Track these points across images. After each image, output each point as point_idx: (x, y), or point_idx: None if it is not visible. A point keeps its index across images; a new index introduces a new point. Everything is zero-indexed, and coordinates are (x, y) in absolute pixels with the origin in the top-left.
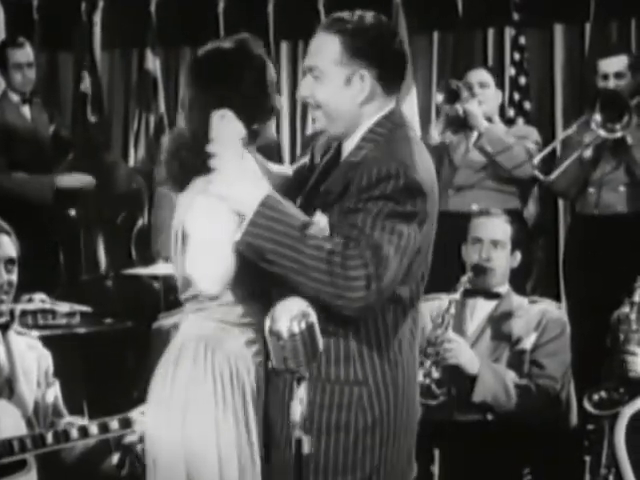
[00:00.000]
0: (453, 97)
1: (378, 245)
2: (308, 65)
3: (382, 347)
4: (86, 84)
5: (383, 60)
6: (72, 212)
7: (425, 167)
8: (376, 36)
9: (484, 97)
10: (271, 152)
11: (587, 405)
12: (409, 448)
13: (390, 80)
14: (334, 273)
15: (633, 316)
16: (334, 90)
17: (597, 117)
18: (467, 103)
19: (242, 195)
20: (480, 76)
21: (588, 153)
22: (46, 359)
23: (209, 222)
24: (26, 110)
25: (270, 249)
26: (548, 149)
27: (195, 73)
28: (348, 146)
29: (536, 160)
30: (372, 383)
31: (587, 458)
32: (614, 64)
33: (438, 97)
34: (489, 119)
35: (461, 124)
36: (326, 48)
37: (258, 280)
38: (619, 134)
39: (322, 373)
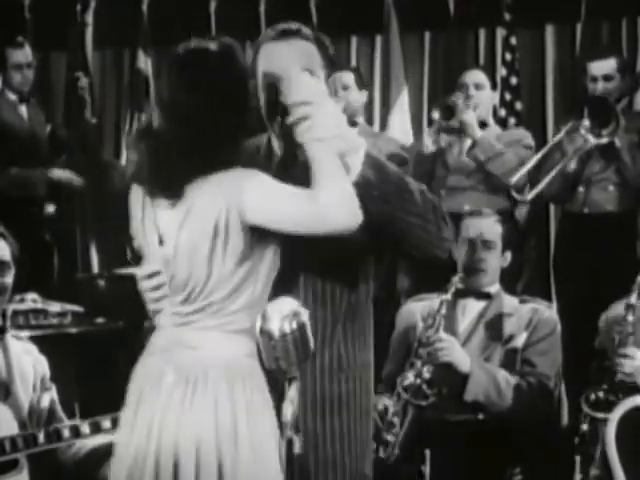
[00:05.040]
0: (449, 113)
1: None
2: (288, 69)
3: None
4: (83, 83)
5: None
6: (66, 211)
7: None
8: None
9: (479, 99)
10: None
11: (584, 406)
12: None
13: None
14: (440, 226)
15: (630, 318)
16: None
17: (585, 123)
18: (463, 114)
19: (352, 135)
20: (476, 77)
21: (572, 165)
22: (42, 364)
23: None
24: (23, 109)
25: (392, 180)
26: (528, 166)
27: (177, 73)
28: None
29: (515, 178)
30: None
31: (577, 458)
32: (603, 67)
33: (434, 114)
34: (483, 123)
35: (456, 132)
36: (309, 52)
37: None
38: (606, 139)
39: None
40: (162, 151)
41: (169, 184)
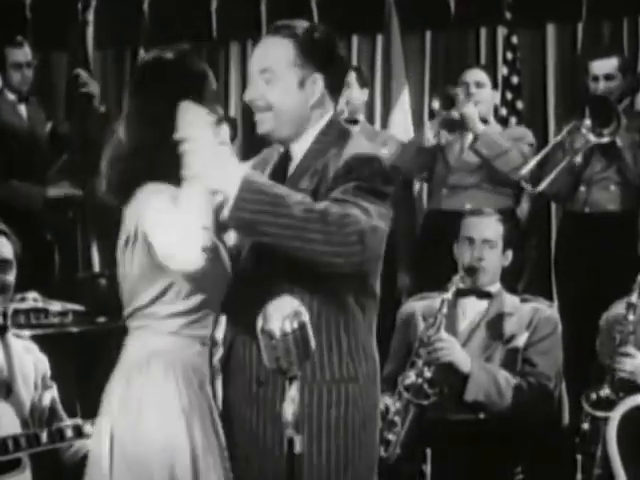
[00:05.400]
0: (450, 103)
1: (365, 207)
2: (260, 67)
3: (365, 344)
4: (83, 79)
5: (331, 67)
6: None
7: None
8: (325, 42)
9: (480, 97)
10: None
11: (585, 405)
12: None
13: (335, 87)
14: (329, 231)
15: (631, 317)
16: (287, 91)
17: (587, 122)
18: (464, 106)
19: (222, 173)
20: (476, 75)
21: (578, 159)
22: (43, 363)
23: (173, 209)
24: (22, 109)
25: (262, 220)
26: (537, 159)
27: (136, 82)
28: (298, 150)
29: (524, 171)
30: (361, 379)
31: (579, 457)
32: (605, 66)
33: (434, 104)
34: (484, 120)
35: (457, 126)
36: (279, 51)
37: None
38: (607, 139)
39: (317, 374)
40: (118, 160)
41: (117, 189)
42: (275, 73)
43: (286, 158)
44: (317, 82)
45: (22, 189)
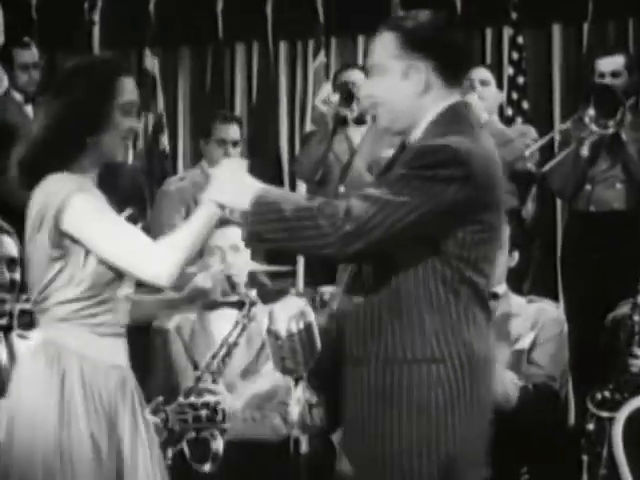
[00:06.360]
0: None
1: (374, 196)
2: (369, 64)
3: (455, 327)
4: None
5: (440, 52)
6: None
7: (480, 158)
8: (432, 29)
9: (484, 95)
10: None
11: (590, 405)
12: (483, 432)
13: (448, 72)
14: (320, 225)
15: (636, 317)
16: (392, 84)
17: (590, 112)
18: (467, 96)
19: (235, 191)
20: (481, 74)
21: (585, 151)
22: None
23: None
24: (29, 109)
25: (262, 230)
26: (545, 139)
27: (52, 82)
28: (412, 141)
29: (531, 150)
30: (449, 361)
31: (585, 458)
32: (611, 63)
33: None
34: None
35: None
36: (383, 44)
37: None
38: (612, 130)
39: (398, 353)
40: (26, 148)
41: (23, 177)
42: (380, 67)
43: (401, 151)
44: (421, 70)
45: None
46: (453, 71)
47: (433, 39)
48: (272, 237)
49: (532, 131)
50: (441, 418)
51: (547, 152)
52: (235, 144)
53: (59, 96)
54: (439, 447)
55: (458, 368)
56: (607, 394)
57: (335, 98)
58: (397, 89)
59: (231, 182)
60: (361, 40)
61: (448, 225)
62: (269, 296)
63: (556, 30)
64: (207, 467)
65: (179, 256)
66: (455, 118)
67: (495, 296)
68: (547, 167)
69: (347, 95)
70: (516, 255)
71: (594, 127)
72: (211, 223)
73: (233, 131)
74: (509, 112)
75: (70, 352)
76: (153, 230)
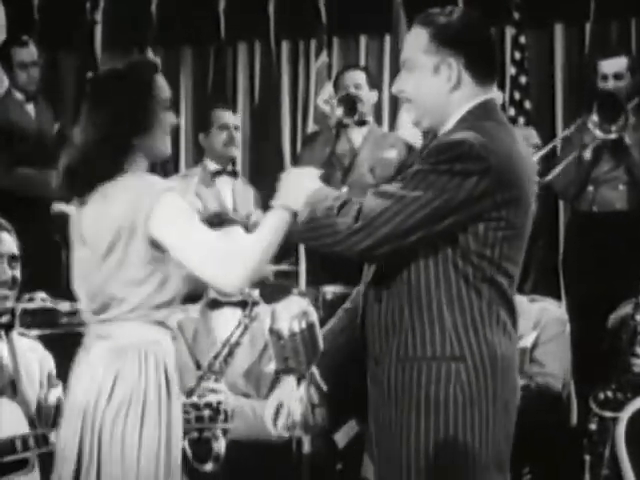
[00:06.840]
0: None
1: (390, 192)
2: (402, 60)
3: (477, 326)
4: None
5: (471, 49)
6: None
7: (502, 155)
8: (463, 26)
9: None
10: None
11: (592, 405)
12: (507, 433)
13: (479, 69)
14: (333, 223)
15: (639, 317)
16: (423, 80)
17: (594, 118)
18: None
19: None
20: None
21: (587, 154)
22: (48, 361)
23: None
24: (30, 108)
25: (297, 230)
26: (546, 149)
27: (88, 91)
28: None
29: (534, 159)
30: (469, 359)
31: (587, 457)
32: (613, 65)
33: None
34: None
35: None
36: (415, 39)
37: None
38: (615, 135)
39: (417, 351)
40: (75, 157)
41: (75, 185)
42: (411, 62)
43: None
44: (452, 66)
45: (37, 175)
46: (484, 68)
47: (464, 36)
48: (300, 237)
49: (533, 134)
50: (459, 417)
51: (549, 155)
52: (236, 129)
53: (101, 102)
54: (457, 447)
55: (480, 367)
56: (609, 394)
57: (339, 112)
58: (427, 84)
59: (294, 186)
60: (363, 40)
61: (465, 221)
62: (272, 295)
63: (558, 30)
64: (209, 467)
65: (253, 265)
66: (484, 116)
67: None
68: (551, 176)
69: (351, 106)
70: None
71: (598, 132)
72: (282, 228)
73: (234, 117)
74: (512, 112)
75: (157, 350)
76: None
